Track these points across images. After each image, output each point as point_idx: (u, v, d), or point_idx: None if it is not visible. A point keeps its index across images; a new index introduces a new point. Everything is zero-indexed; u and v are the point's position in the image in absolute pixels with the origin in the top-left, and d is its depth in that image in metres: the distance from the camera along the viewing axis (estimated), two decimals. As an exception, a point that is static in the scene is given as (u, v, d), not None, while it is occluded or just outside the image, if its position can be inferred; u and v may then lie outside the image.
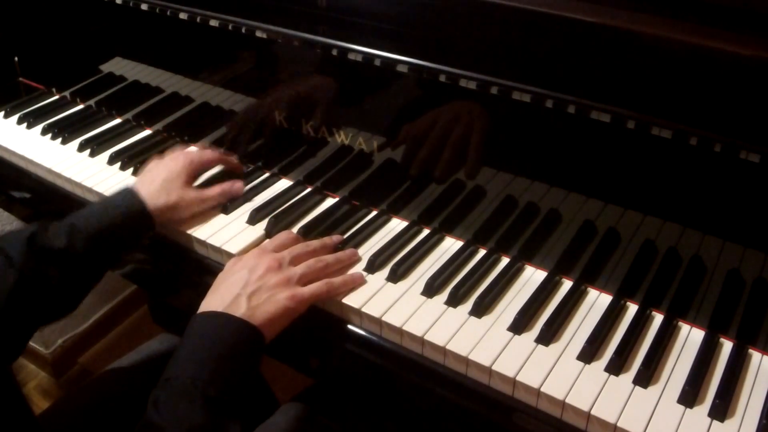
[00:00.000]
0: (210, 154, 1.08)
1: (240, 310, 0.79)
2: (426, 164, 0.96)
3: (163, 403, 0.72)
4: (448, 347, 0.80)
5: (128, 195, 0.96)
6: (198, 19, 1.06)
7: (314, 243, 0.93)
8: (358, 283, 0.89)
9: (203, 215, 1.02)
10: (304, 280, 0.86)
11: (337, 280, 0.88)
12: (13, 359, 0.86)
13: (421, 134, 0.95)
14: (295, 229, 0.99)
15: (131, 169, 1.14)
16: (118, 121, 1.28)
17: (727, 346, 0.83)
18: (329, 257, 0.91)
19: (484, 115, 0.89)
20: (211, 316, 0.80)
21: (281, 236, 0.94)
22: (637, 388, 0.77)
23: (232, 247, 0.96)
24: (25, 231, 0.87)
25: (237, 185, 1.05)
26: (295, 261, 0.88)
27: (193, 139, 1.21)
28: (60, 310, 0.91)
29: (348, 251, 0.94)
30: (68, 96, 1.35)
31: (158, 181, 0.98)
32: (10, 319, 0.83)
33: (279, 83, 1.07)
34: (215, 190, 1.03)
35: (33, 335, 0.88)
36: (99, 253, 0.90)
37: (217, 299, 0.82)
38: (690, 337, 0.84)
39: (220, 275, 0.87)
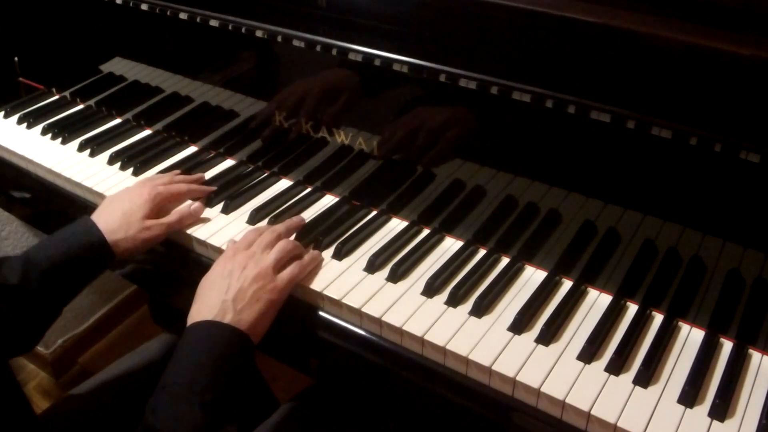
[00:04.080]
0: (178, 188, 1.03)
1: (228, 316, 0.81)
2: (425, 164, 0.96)
3: (161, 408, 0.74)
4: (448, 347, 0.80)
5: (86, 227, 0.94)
6: (198, 19, 1.06)
7: (279, 227, 0.96)
8: (319, 259, 0.94)
9: (204, 216, 1.02)
10: (279, 265, 0.89)
11: (306, 258, 0.92)
12: None
13: (420, 134, 0.95)
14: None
15: (131, 169, 1.14)
16: (118, 121, 1.28)
17: (727, 346, 0.83)
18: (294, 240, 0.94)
19: (484, 115, 0.89)
20: (203, 326, 0.81)
21: (248, 234, 0.94)
22: (637, 388, 0.77)
23: (232, 247, 0.96)
24: None
25: (194, 206, 1.02)
26: (266, 249, 0.90)
27: (193, 139, 1.21)
28: (20, 345, 0.90)
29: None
30: (68, 96, 1.35)
31: (118, 214, 0.96)
32: None
33: (279, 83, 1.07)
34: (174, 216, 1.00)
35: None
36: (54, 287, 0.89)
37: (204, 308, 0.83)
38: (690, 337, 0.84)
39: (202, 283, 0.87)
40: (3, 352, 0.87)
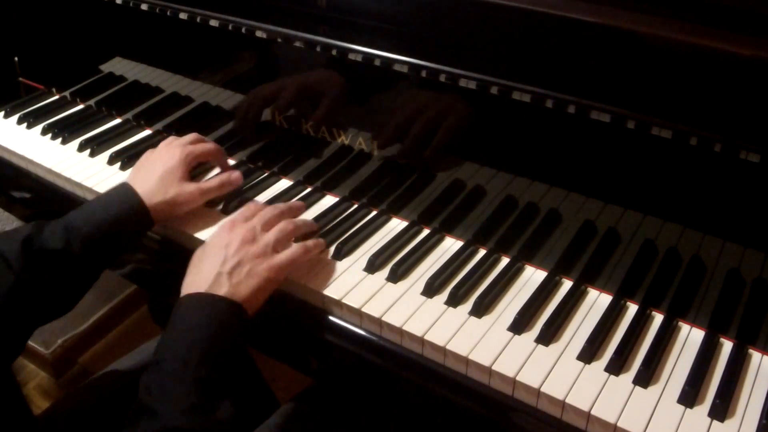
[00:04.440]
0: (205, 147, 1.04)
1: (223, 289, 0.80)
2: (425, 164, 0.97)
3: (155, 386, 0.74)
4: (448, 347, 0.80)
5: (125, 192, 0.94)
6: (198, 19, 1.06)
7: (281, 205, 0.95)
8: (323, 247, 0.93)
9: (204, 215, 1.02)
10: (279, 245, 0.87)
11: (311, 242, 0.90)
12: (12, 360, 0.86)
13: (420, 134, 0.95)
14: (295, 229, 0.99)
15: (131, 169, 1.14)
16: (118, 121, 1.28)
17: (727, 346, 0.83)
18: (298, 219, 0.93)
19: (484, 115, 0.89)
20: (197, 298, 0.80)
21: (249, 206, 0.93)
22: (637, 388, 0.77)
23: (232, 247, 0.96)
24: (21, 233, 0.85)
25: (235, 175, 1.03)
26: (266, 226, 0.89)
27: (193, 139, 1.21)
28: (58, 310, 0.90)
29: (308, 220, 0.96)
30: (68, 96, 1.35)
31: (155, 176, 0.96)
32: (8, 321, 0.83)
33: (279, 83, 1.07)
34: (214, 182, 1.01)
35: (32, 335, 0.88)
36: (96, 254, 0.89)
37: (199, 279, 0.82)
38: (690, 337, 0.84)
39: (197, 252, 0.87)
40: (43, 316, 0.87)
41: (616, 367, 0.78)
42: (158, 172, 0.96)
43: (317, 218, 1.02)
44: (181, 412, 0.71)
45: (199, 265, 0.84)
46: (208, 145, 1.05)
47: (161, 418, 0.71)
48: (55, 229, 0.87)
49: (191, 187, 0.98)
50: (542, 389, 0.76)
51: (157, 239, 1.02)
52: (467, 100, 0.89)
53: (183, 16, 1.07)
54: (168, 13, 1.08)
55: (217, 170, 1.10)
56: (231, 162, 1.16)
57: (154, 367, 0.75)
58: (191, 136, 1.06)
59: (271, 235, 0.87)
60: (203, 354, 0.75)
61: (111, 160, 1.15)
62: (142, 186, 0.94)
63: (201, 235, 0.99)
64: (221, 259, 0.83)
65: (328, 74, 1.00)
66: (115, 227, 0.90)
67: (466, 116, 0.91)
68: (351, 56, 0.93)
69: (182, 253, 1.01)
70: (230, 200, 1.04)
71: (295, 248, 0.88)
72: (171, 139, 1.05)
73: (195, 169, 1.05)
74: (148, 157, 1.01)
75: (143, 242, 1.01)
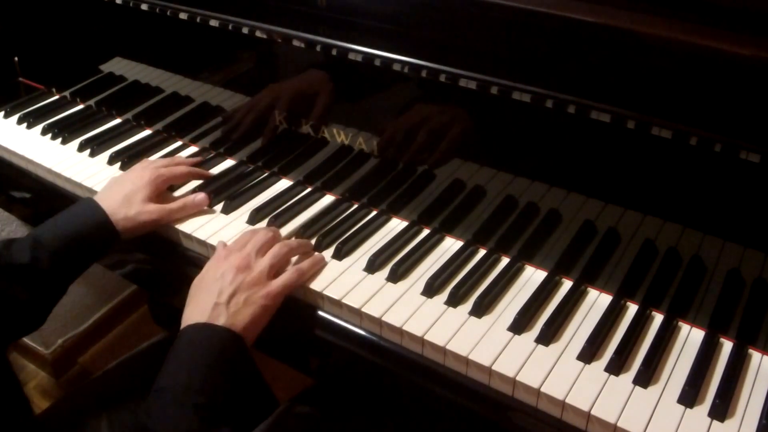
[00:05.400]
0: (179, 170, 1.06)
1: (221, 319, 0.81)
2: (425, 164, 0.97)
3: (156, 411, 0.75)
4: (448, 347, 0.80)
5: (89, 206, 0.96)
6: (198, 19, 1.06)
7: (275, 229, 0.96)
8: (321, 264, 0.92)
9: (204, 216, 1.02)
10: (273, 270, 0.88)
11: (305, 264, 0.90)
12: None
13: (420, 134, 0.95)
14: (294, 229, 0.99)
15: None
16: (118, 121, 1.28)
17: (727, 346, 0.83)
18: (292, 241, 0.93)
19: (484, 115, 0.89)
20: (196, 329, 0.81)
21: (244, 235, 0.94)
22: (637, 388, 0.77)
23: (232, 247, 0.96)
24: None
25: (199, 197, 1.02)
26: (260, 252, 0.89)
27: (193, 140, 1.21)
28: (28, 325, 0.91)
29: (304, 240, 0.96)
30: (68, 96, 1.35)
31: (121, 194, 0.97)
32: None
33: (279, 83, 1.07)
34: (178, 203, 1.01)
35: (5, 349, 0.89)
36: (64, 266, 0.90)
37: (198, 311, 0.83)
38: (690, 337, 0.84)
39: (195, 283, 0.88)
40: (16, 331, 0.89)
41: (616, 367, 0.78)
42: (125, 189, 0.98)
43: (317, 218, 1.02)
44: None
45: (197, 296, 0.85)
46: (181, 169, 1.07)
47: None
48: (23, 244, 0.89)
49: (153, 207, 0.99)
50: (542, 389, 0.76)
51: (157, 239, 1.02)
52: (467, 101, 0.89)
53: (183, 16, 1.07)
54: (168, 13, 1.08)
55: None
56: (231, 162, 1.16)
57: (156, 394, 0.76)
58: (168, 159, 1.09)
59: (265, 261, 0.88)
60: (203, 381, 0.76)
61: (111, 160, 1.15)
62: (107, 201, 0.96)
63: (200, 235, 0.99)
64: (218, 290, 0.84)
65: (327, 74, 1.00)
66: (81, 239, 0.92)
67: (467, 116, 0.91)
68: (351, 56, 0.93)
69: (182, 253, 1.01)
70: (231, 200, 1.04)
71: (289, 273, 0.89)
72: (147, 162, 1.07)
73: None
74: (121, 176, 1.04)
75: (143, 242, 1.01)
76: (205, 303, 0.83)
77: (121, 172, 1.13)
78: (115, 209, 0.95)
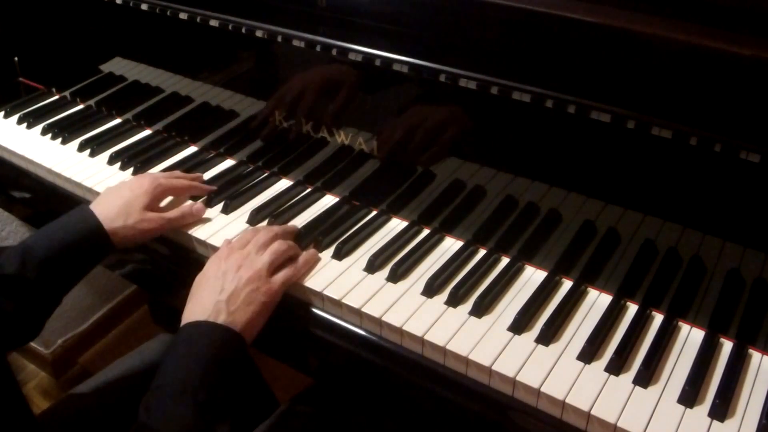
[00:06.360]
0: (179, 182, 1.04)
1: (221, 317, 0.81)
2: (425, 164, 0.96)
3: (155, 407, 0.75)
4: (448, 347, 0.80)
5: (84, 215, 0.94)
6: (198, 19, 1.06)
7: (275, 228, 0.95)
8: (315, 259, 0.93)
9: (204, 216, 1.02)
10: (273, 267, 0.88)
11: (300, 260, 0.91)
12: None
13: (420, 134, 0.95)
14: (295, 229, 0.99)
15: (131, 169, 1.14)
16: (118, 121, 1.28)
17: (727, 346, 0.83)
18: (291, 241, 0.94)
19: (484, 115, 0.89)
20: (196, 326, 0.81)
21: (246, 234, 0.94)
22: (637, 388, 0.77)
23: (232, 247, 0.96)
24: None
25: (197, 207, 1.02)
26: (261, 249, 0.89)
27: (193, 139, 1.21)
28: (22, 336, 0.89)
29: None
30: (68, 96, 1.35)
31: (119, 203, 0.96)
32: None
33: (279, 83, 1.07)
34: (177, 212, 1.00)
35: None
36: (53, 277, 0.88)
37: (198, 308, 0.83)
38: (690, 337, 0.84)
39: (196, 281, 0.88)
40: (4, 344, 0.87)
41: (616, 367, 0.78)
42: (123, 198, 0.97)
43: (317, 218, 1.02)
44: None
45: (197, 294, 0.85)
46: (180, 182, 1.05)
47: None
48: (12, 253, 0.87)
49: (153, 215, 0.98)
50: (542, 389, 0.76)
51: (158, 240, 1.02)
52: (467, 100, 0.89)
53: (183, 16, 1.07)
54: (168, 13, 1.08)
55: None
56: (231, 162, 1.16)
57: (155, 390, 0.76)
58: (168, 172, 1.07)
59: (265, 258, 0.88)
60: (203, 378, 0.76)
61: (111, 160, 1.15)
62: (103, 210, 0.94)
63: (200, 235, 0.99)
64: (218, 288, 0.84)
65: (327, 74, 1.00)
66: (72, 249, 0.90)
67: (466, 116, 0.91)
68: (351, 56, 0.93)
69: (182, 253, 1.01)
70: (230, 200, 1.04)
71: (286, 270, 0.89)
72: (146, 173, 1.07)
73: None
74: (118, 185, 1.02)
75: (143, 242, 1.01)
76: (206, 301, 0.83)
77: (121, 172, 1.13)
78: (112, 218, 0.94)
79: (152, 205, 0.99)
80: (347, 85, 0.98)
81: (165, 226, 0.99)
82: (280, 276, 0.88)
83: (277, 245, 0.90)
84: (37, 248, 0.87)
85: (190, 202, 1.04)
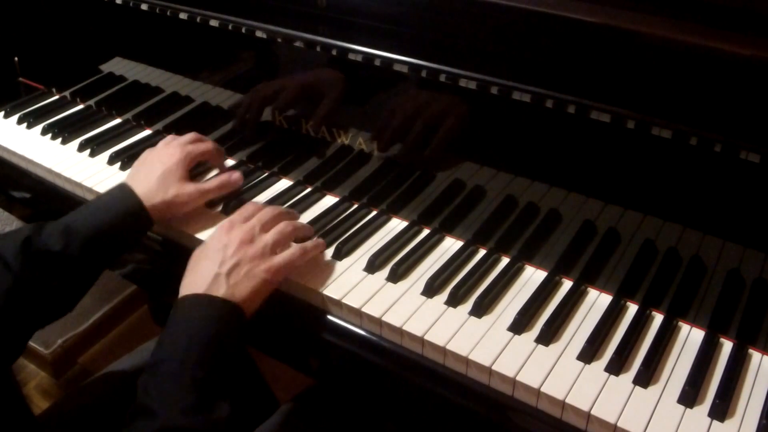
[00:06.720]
0: (204, 146, 1.04)
1: (221, 290, 0.80)
2: (425, 164, 0.97)
3: (153, 386, 0.74)
4: (448, 347, 0.80)
5: (124, 193, 0.94)
6: (198, 19, 1.06)
7: (280, 207, 0.95)
8: (323, 248, 0.93)
9: (204, 216, 1.02)
10: (277, 247, 0.87)
11: (309, 243, 0.90)
12: (12, 361, 0.86)
13: (420, 134, 0.95)
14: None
15: (130, 169, 1.13)
16: (118, 121, 1.28)
17: (727, 346, 0.83)
18: (297, 222, 0.93)
19: (484, 115, 0.89)
20: (195, 299, 0.80)
21: (248, 207, 0.93)
22: (637, 388, 0.77)
23: (232, 247, 0.96)
24: (20, 234, 0.85)
25: (235, 176, 1.03)
26: (265, 227, 0.89)
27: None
28: (57, 311, 0.90)
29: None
30: (68, 96, 1.35)
31: (154, 176, 0.95)
32: (8, 322, 0.83)
33: (279, 83, 1.07)
34: (214, 182, 1.01)
35: (32, 336, 0.88)
36: (96, 255, 0.89)
37: (197, 280, 0.82)
38: (690, 337, 0.84)
39: (196, 253, 0.87)
40: (44, 317, 0.87)
41: (616, 367, 0.78)
42: (157, 172, 0.96)
43: (317, 218, 1.02)
44: (178, 412, 0.71)
45: (197, 266, 0.85)
46: (207, 145, 1.05)
47: (159, 418, 0.71)
48: (54, 230, 0.87)
49: (191, 187, 0.98)
50: (542, 389, 0.76)
51: (157, 239, 1.02)
52: (467, 100, 0.89)
53: (183, 16, 1.07)
54: (168, 13, 1.08)
55: (216, 170, 1.10)
56: (231, 162, 1.16)
57: (152, 368, 0.76)
58: (190, 135, 1.06)
59: (269, 236, 0.87)
60: (201, 354, 0.75)
61: (111, 160, 1.15)
62: (141, 186, 0.94)
63: (201, 235, 0.99)
64: (219, 260, 0.83)
65: (327, 74, 1.00)
66: (115, 228, 0.90)
67: (466, 116, 0.91)
68: (351, 56, 0.93)
69: (182, 253, 1.01)
70: (230, 201, 1.04)
71: (293, 250, 0.88)
72: (170, 138, 1.05)
73: (194, 169, 1.05)
74: (147, 157, 1.01)
75: (143, 242, 1.01)
76: (206, 273, 0.82)
77: (121, 172, 1.13)
78: (151, 194, 0.94)
79: (187, 175, 0.99)
80: (347, 86, 0.98)
81: (203, 196, 0.99)
82: (286, 255, 0.87)
83: (283, 225, 0.90)
84: (81, 228, 0.87)
85: (227, 171, 1.04)
